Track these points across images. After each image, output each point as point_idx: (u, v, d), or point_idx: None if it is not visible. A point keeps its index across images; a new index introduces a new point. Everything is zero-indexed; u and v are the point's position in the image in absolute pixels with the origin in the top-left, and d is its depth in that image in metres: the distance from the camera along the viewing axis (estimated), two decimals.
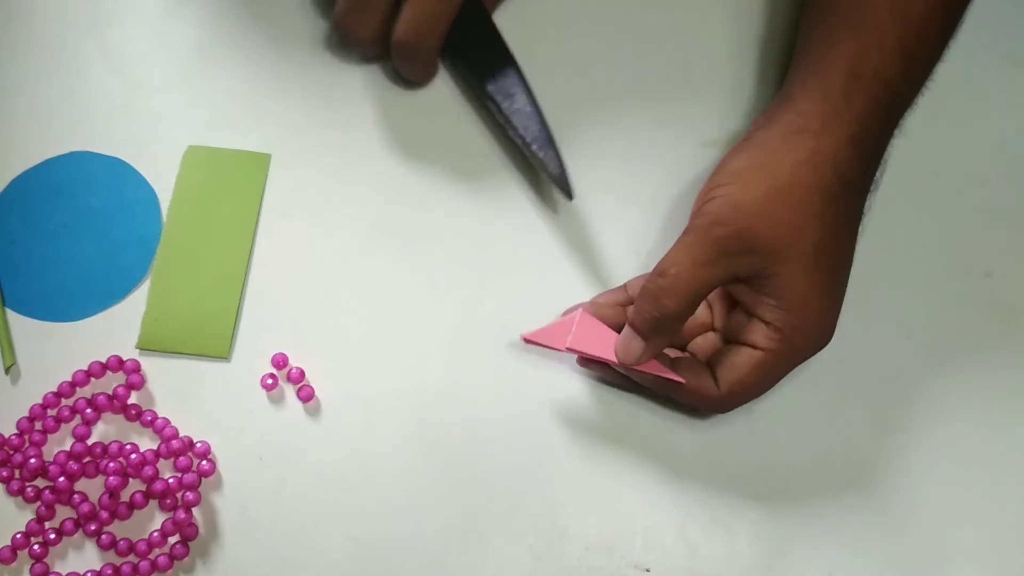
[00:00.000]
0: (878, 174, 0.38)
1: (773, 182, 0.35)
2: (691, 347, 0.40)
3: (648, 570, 0.39)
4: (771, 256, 0.35)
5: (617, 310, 0.39)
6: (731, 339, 0.38)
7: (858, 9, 0.37)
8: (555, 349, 0.38)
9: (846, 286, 0.37)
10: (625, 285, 0.40)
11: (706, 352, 0.39)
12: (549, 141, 0.41)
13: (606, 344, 0.37)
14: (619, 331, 0.38)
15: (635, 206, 0.44)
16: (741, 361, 0.36)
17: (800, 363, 0.37)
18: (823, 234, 0.35)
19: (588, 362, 0.40)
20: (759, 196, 0.35)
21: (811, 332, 0.36)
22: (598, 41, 0.46)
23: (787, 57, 0.46)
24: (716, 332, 0.39)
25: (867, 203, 0.38)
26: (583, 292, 0.42)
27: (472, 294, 0.42)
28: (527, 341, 0.38)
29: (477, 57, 0.43)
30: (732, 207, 0.35)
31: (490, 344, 0.42)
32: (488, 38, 0.43)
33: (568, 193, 0.41)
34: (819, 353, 0.40)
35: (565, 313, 0.40)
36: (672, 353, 0.39)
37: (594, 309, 0.39)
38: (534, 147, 0.41)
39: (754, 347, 0.36)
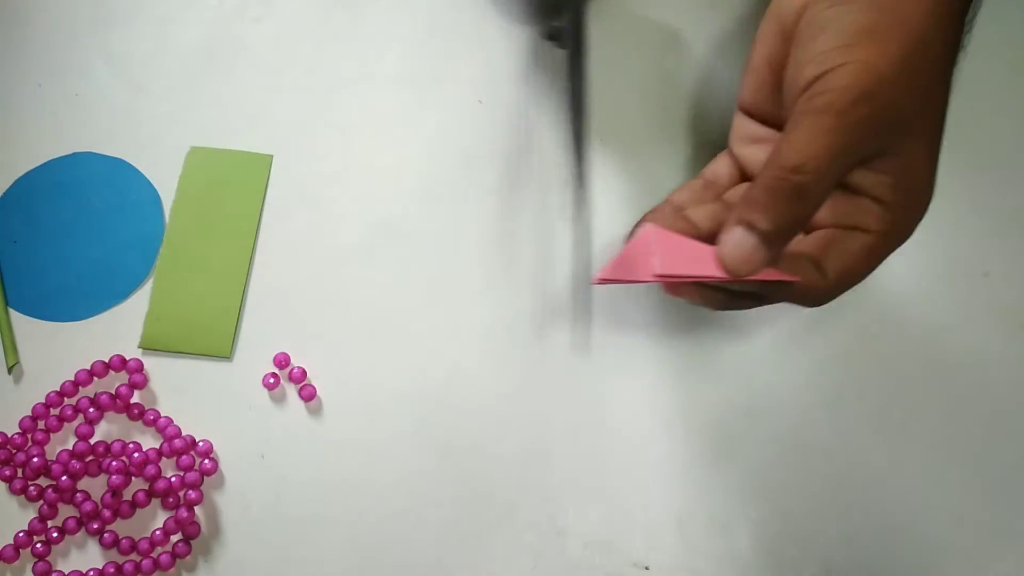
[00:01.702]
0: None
1: (908, 41, 0.30)
2: None
3: (647, 568, 0.39)
4: (900, 129, 0.31)
5: (703, 209, 0.35)
6: (829, 222, 0.33)
7: None
8: (639, 282, 0.32)
9: None
10: (703, 175, 0.37)
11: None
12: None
13: (701, 258, 0.31)
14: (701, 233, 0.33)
15: (636, 206, 0.44)
16: (853, 247, 0.32)
17: (905, 241, 0.33)
18: (945, 96, 0.31)
19: (673, 285, 0.35)
20: (897, 61, 0.30)
21: (921, 207, 0.33)
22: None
23: None
24: None
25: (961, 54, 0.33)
26: None
27: (474, 294, 0.43)
28: (602, 281, 0.33)
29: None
30: (873, 76, 0.29)
31: (491, 344, 0.42)
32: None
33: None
34: (818, 352, 0.41)
35: (630, 236, 0.35)
36: None
37: (668, 218, 0.34)
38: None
39: (864, 230, 0.32)
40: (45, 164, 0.45)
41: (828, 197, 0.31)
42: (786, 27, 0.34)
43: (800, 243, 0.34)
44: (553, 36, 0.38)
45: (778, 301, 0.34)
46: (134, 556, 0.39)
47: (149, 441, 0.41)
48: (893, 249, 0.33)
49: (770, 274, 0.31)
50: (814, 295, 0.33)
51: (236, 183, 0.44)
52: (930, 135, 0.32)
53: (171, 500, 0.39)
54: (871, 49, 0.30)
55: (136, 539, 0.39)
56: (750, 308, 0.36)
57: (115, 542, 0.39)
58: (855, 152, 0.30)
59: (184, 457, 0.40)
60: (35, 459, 0.39)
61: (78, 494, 0.39)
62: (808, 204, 0.30)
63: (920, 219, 0.33)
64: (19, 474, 0.40)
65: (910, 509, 0.40)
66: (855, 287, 0.33)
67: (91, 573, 0.39)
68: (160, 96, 0.46)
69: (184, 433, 0.40)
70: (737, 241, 0.30)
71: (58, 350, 0.42)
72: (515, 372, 0.41)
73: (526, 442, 0.40)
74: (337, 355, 0.42)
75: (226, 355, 0.42)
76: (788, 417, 0.41)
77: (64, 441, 0.41)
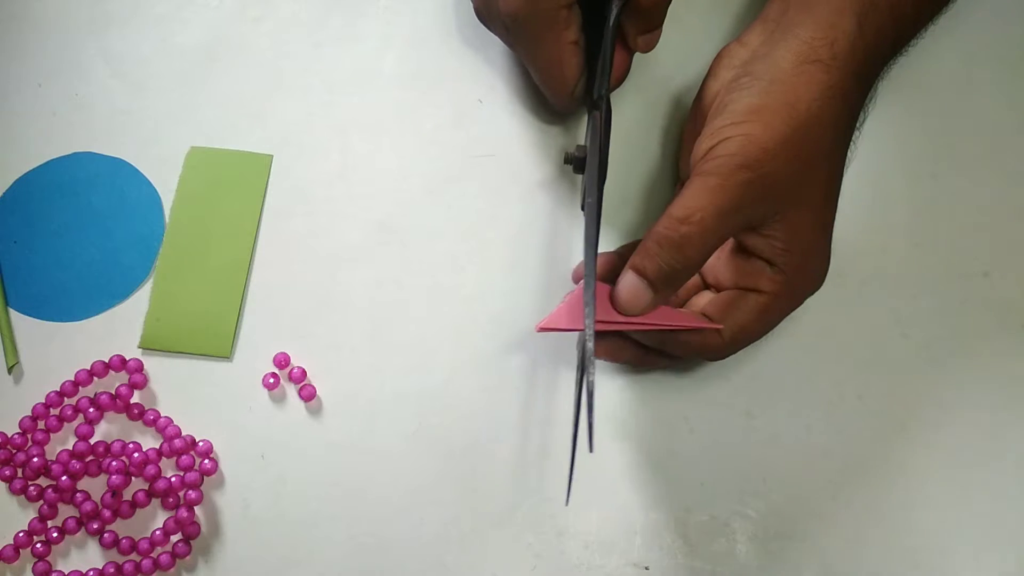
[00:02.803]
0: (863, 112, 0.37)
1: (792, 120, 0.33)
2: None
3: (647, 568, 0.39)
4: (785, 199, 0.34)
5: (617, 261, 0.38)
6: (730, 284, 0.37)
7: None
8: (575, 331, 0.35)
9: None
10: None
11: (696, 300, 0.38)
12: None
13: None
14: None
15: (634, 206, 0.44)
16: (747, 307, 0.36)
17: (799, 305, 0.37)
18: (832, 172, 0.34)
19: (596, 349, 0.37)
20: (780, 136, 0.33)
21: (813, 272, 0.36)
22: None
23: None
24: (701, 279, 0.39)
25: (855, 136, 0.37)
26: None
27: (473, 294, 0.43)
28: (542, 330, 0.36)
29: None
30: (757, 148, 0.33)
31: (491, 344, 0.42)
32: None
33: None
34: (818, 352, 0.41)
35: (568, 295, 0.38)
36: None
37: (609, 255, 0.39)
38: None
39: (758, 291, 0.35)
40: (45, 164, 0.45)
41: (712, 251, 0.34)
42: (705, 109, 0.37)
43: (707, 305, 0.37)
44: (569, 161, 0.40)
45: (682, 355, 0.38)
46: (134, 556, 0.39)
47: (149, 441, 0.41)
48: (785, 312, 0.36)
49: (671, 317, 0.35)
50: (712, 350, 0.37)
51: (236, 183, 0.44)
52: (816, 205, 0.35)
53: (171, 500, 0.39)
54: (757, 126, 0.33)
55: (136, 539, 0.39)
56: (663, 366, 0.40)
57: (115, 542, 0.39)
58: (737, 211, 0.33)
59: (184, 457, 0.40)
60: (35, 459, 0.39)
61: (78, 494, 0.39)
62: (691, 253, 0.33)
63: (813, 285, 0.36)
64: (19, 474, 0.40)
65: (910, 509, 0.39)
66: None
67: (91, 573, 0.39)
68: (160, 96, 0.46)
69: (184, 433, 0.40)
70: (627, 283, 0.34)
71: (58, 350, 0.42)
72: (515, 372, 0.41)
73: (526, 442, 0.40)
74: (337, 355, 0.42)
75: (226, 355, 0.42)
76: (788, 417, 0.41)
77: (64, 441, 0.41)
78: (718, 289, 0.38)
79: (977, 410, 0.41)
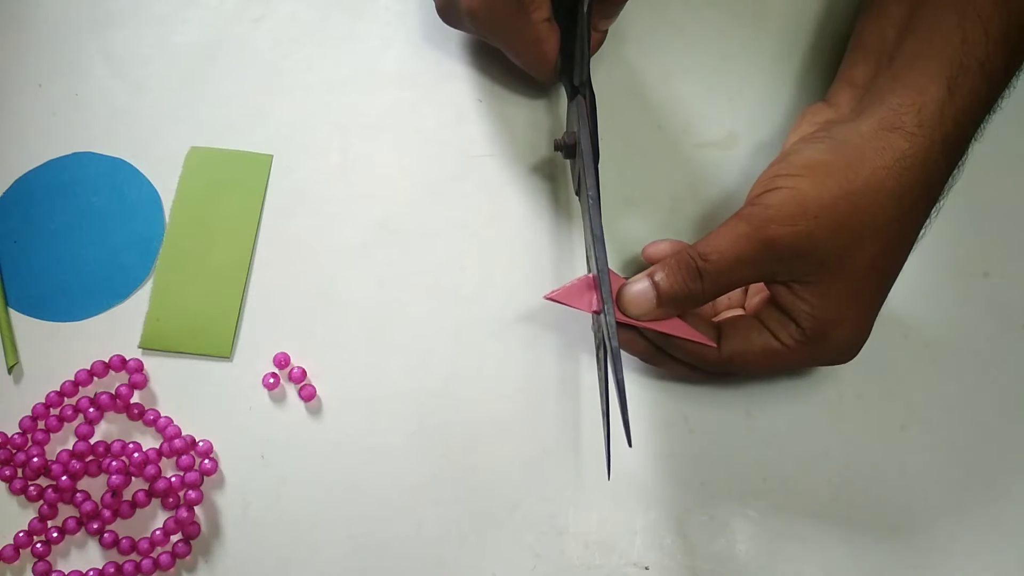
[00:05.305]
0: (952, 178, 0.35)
1: (848, 184, 0.32)
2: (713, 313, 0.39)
3: (647, 568, 0.39)
4: (821, 265, 0.32)
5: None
6: (756, 316, 0.36)
7: None
8: (580, 309, 0.36)
9: (885, 298, 0.35)
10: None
11: (724, 312, 0.38)
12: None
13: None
14: None
15: (634, 206, 0.44)
16: (758, 340, 0.35)
17: (813, 367, 0.37)
18: (887, 247, 0.33)
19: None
20: (829, 198, 0.32)
21: (838, 344, 0.35)
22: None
23: (789, 57, 0.46)
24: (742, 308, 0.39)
25: (937, 206, 0.35)
26: None
27: (473, 294, 0.43)
28: (550, 299, 0.36)
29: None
30: (797, 205, 0.32)
31: (491, 344, 0.42)
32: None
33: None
34: None
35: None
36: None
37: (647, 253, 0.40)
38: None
39: (776, 337, 0.35)
40: (45, 164, 0.45)
41: (724, 291, 0.34)
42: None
43: (723, 317, 0.38)
44: (559, 148, 0.41)
45: (680, 358, 0.37)
46: (134, 556, 0.39)
47: (149, 441, 0.41)
48: (794, 368, 0.37)
49: (672, 324, 0.36)
50: (707, 362, 0.36)
51: (236, 183, 0.44)
52: (857, 278, 0.33)
53: (171, 500, 0.39)
54: (807, 180, 0.32)
55: (136, 539, 0.39)
56: (671, 369, 0.39)
57: (115, 542, 0.39)
58: (755, 265, 0.33)
59: (184, 457, 0.40)
60: (35, 459, 0.39)
61: (78, 494, 0.39)
62: (702, 286, 0.34)
63: (835, 357, 0.36)
64: (19, 474, 0.40)
65: (910, 509, 0.39)
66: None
67: (91, 573, 0.39)
68: (160, 96, 0.46)
69: (184, 433, 0.40)
70: (638, 287, 0.35)
71: (58, 350, 0.42)
72: (515, 372, 0.41)
73: (526, 442, 0.40)
74: (337, 355, 0.42)
75: (226, 355, 0.42)
76: (788, 417, 0.41)
77: (64, 441, 0.41)
78: (746, 311, 0.38)
79: (977, 410, 0.41)
